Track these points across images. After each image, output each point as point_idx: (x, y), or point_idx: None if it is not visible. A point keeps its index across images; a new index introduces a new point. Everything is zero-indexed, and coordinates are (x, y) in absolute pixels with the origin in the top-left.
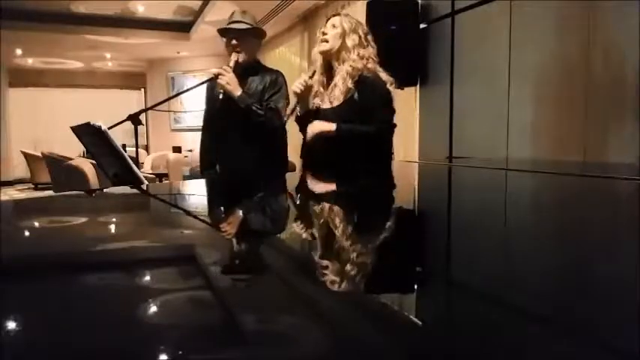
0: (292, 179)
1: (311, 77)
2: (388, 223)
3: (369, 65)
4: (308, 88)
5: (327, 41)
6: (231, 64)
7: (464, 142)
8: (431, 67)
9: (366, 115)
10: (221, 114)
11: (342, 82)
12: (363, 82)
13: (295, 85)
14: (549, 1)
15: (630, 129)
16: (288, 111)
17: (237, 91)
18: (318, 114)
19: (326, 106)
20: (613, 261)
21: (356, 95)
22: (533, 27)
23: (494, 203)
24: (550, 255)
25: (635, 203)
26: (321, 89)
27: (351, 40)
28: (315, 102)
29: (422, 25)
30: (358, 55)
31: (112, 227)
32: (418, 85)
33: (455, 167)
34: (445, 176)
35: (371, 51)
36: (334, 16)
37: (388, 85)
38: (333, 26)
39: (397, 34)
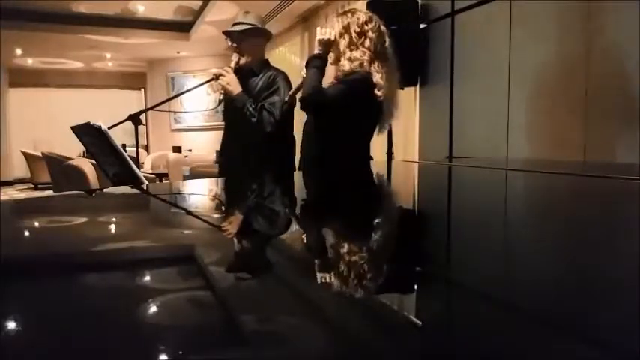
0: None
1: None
2: (384, 223)
3: (360, 70)
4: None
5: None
6: (232, 64)
7: (464, 142)
8: (431, 67)
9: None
10: (224, 114)
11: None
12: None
13: (305, 70)
14: (549, 1)
15: (630, 129)
16: (290, 92)
17: (236, 91)
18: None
19: None
20: (613, 261)
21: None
22: (533, 27)
23: (494, 203)
24: (550, 255)
25: (636, 203)
26: None
27: (342, 44)
28: None
29: (422, 25)
30: (349, 58)
31: (112, 227)
32: (418, 85)
33: (455, 167)
34: (445, 176)
35: (363, 50)
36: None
37: (376, 90)
38: (331, 32)
39: (397, 34)
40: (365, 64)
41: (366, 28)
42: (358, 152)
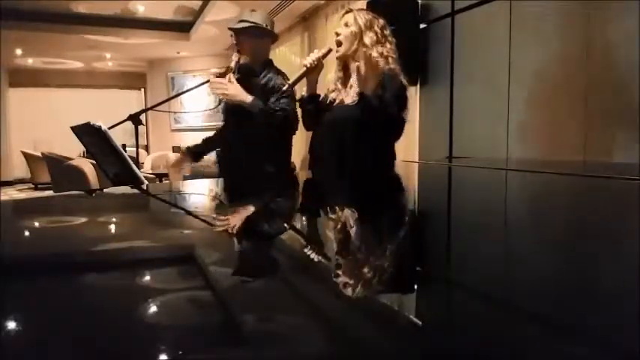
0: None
1: (324, 56)
2: (389, 224)
3: (392, 65)
4: (319, 66)
5: (340, 43)
6: (232, 64)
7: (464, 142)
8: (431, 67)
9: (380, 113)
10: (224, 116)
11: (358, 83)
12: (382, 83)
13: (307, 59)
14: (549, 1)
15: (630, 129)
16: (290, 81)
17: (248, 99)
18: (331, 108)
19: (341, 102)
20: (613, 261)
21: (375, 94)
22: (533, 27)
23: (494, 203)
24: (550, 255)
25: (635, 203)
26: (339, 86)
27: (368, 38)
28: (331, 96)
29: (422, 25)
30: (378, 53)
31: (112, 227)
32: (418, 85)
33: (455, 167)
34: (445, 176)
35: (389, 47)
36: (347, 13)
37: (407, 91)
38: (346, 25)
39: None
40: (390, 60)
41: (386, 32)
42: (383, 152)
